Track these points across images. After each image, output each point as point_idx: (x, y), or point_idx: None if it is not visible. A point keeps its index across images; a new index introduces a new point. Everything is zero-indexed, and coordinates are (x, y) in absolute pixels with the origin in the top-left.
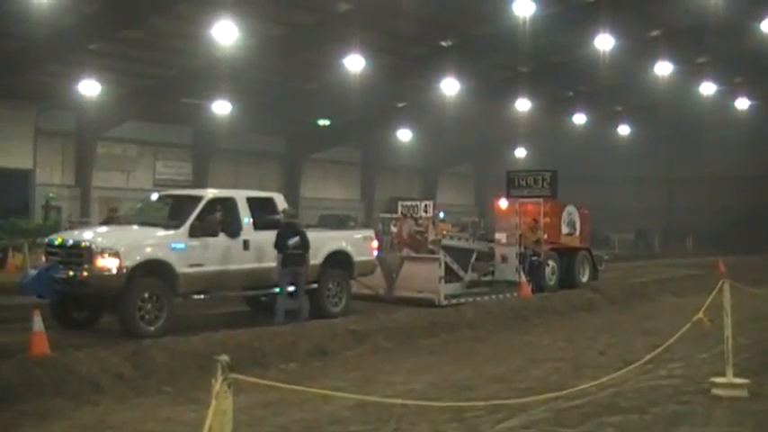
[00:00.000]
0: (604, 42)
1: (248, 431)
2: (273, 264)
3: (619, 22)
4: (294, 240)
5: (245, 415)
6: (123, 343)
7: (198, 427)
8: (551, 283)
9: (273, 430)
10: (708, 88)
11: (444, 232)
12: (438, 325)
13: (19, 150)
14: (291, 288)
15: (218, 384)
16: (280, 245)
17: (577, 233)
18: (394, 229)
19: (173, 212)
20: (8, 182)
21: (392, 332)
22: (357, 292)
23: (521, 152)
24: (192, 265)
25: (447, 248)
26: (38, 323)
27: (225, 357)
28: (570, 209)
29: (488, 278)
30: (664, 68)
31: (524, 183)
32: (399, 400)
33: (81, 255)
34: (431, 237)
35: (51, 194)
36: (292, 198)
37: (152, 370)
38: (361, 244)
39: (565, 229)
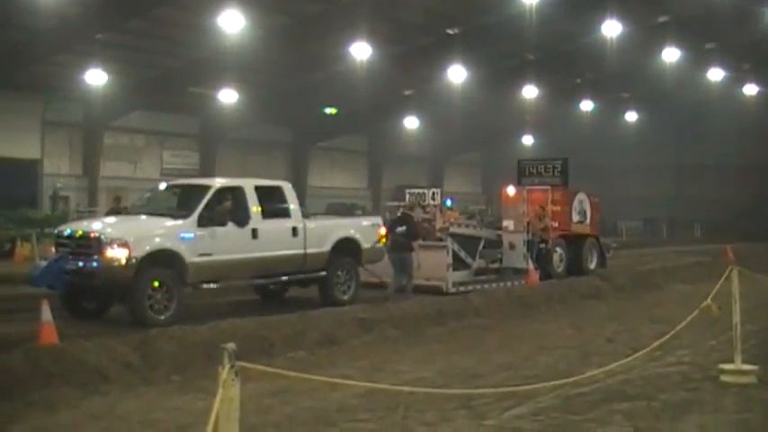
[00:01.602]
0: (611, 29)
1: (256, 419)
2: (282, 252)
3: (626, 9)
4: (401, 228)
5: (252, 403)
6: (131, 333)
7: (205, 416)
8: (559, 270)
9: (281, 419)
10: (716, 74)
11: (452, 220)
12: (446, 313)
13: (26, 141)
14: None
15: (224, 373)
16: (391, 232)
17: (588, 221)
18: None
19: (181, 202)
20: (16, 172)
21: (400, 320)
22: (365, 279)
23: (528, 140)
24: (200, 255)
25: (455, 236)
26: (46, 313)
27: (231, 345)
28: (581, 196)
29: (496, 266)
30: (671, 55)
31: (535, 171)
32: (407, 388)
33: (90, 246)
34: (438, 224)
35: (59, 185)
36: (299, 187)
37: (160, 359)
38: (369, 231)
39: (576, 217)
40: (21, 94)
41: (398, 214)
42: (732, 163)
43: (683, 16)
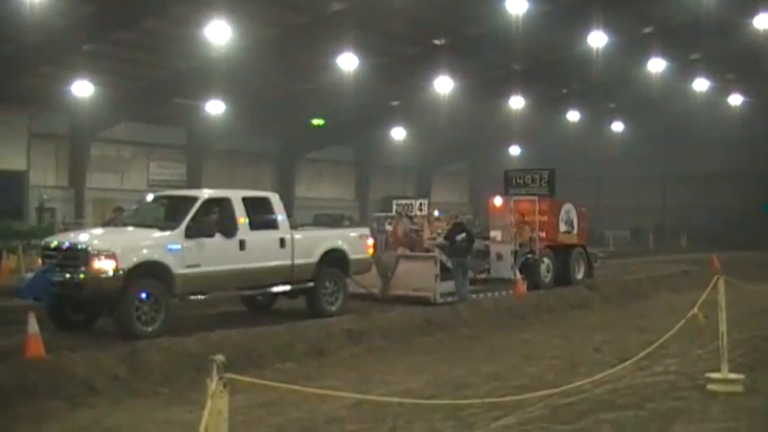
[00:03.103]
0: (597, 39)
1: (245, 431)
2: (269, 263)
3: (612, 19)
4: (461, 236)
5: (241, 415)
6: (119, 345)
7: (194, 428)
8: (547, 280)
9: (270, 430)
10: (701, 85)
11: (440, 230)
12: (434, 323)
13: (13, 152)
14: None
15: (213, 384)
16: (450, 240)
17: (575, 231)
18: (389, 228)
19: (168, 213)
20: (2, 184)
21: (388, 331)
22: (353, 291)
23: (515, 150)
24: (188, 266)
25: (442, 247)
26: (32, 325)
27: (220, 357)
28: (568, 207)
29: (484, 276)
30: (657, 65)
31: (522, 181)
32: (396, 399)
33: (77, 257)
34: (426, 235)
35: (45, 196)
36: (287, 198)
37: (148, 371)
38: (357, 242)
39: (563, 228)
40: (7, 105)
41: (453, 222)
42: (718, 172)
43: (669, 27)
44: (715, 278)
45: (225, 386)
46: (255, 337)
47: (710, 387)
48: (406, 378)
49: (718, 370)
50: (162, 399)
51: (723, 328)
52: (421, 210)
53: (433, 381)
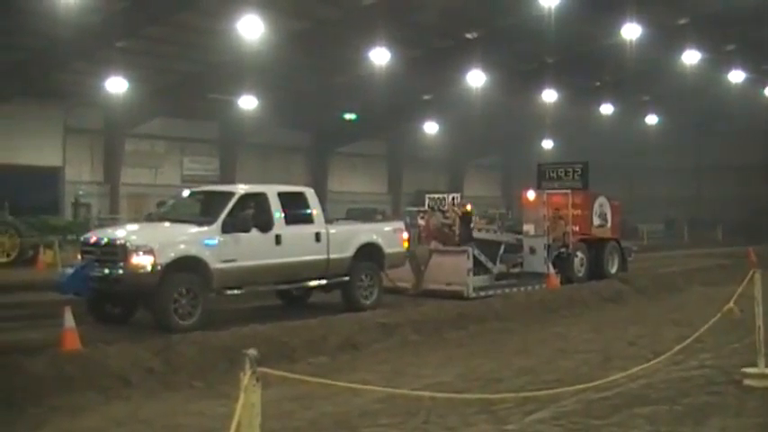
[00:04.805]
0: (631, 31)
1: (277, 425)
2: (305, 258)
3: (645, 11)
4: (472, 224)
5: (274, 408)
6: (154, 338)
7: (227, 421)
8: (580, 274)
9: (302, 424)
10: (736, 76)
11: (472, 224)
12: (466, 317)
13: (48, 148)
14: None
15: (246, 378)
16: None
17: (609, 224)
18: (422, 222)
19: (204, 209)
20: (38, 179)
21: (421, 325)
22: (387, 284)
23: (548, 143)
24: (225, 261)
25: (475, 241)
26: (69, 319)
27: (253, 351)
28: (601, 200)
29: (517, 270)
30: (691, 57)
31: (555, 175)
32: (428, 393)
33: (116, 253)
34: (458, 229)
35: (80, 191)
36: (319, 192)
37: (182, 365)
38: (392, 236)
39: (596, 221)
40: (42, 101)
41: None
42: (753, 163)
43: (703, 18)
44: (751, 272)
45: (258, 380)
46: (288, 330)
47: (747, 382)
48: (439, 372)
49: (754, 364)
50: (195, 392)
51: (760, 321)
52: (454, 204)
53: (466, 374)
